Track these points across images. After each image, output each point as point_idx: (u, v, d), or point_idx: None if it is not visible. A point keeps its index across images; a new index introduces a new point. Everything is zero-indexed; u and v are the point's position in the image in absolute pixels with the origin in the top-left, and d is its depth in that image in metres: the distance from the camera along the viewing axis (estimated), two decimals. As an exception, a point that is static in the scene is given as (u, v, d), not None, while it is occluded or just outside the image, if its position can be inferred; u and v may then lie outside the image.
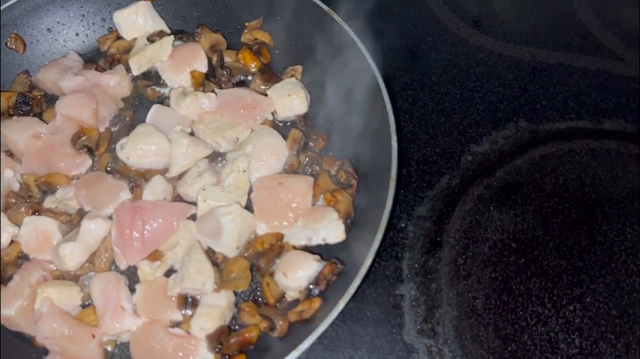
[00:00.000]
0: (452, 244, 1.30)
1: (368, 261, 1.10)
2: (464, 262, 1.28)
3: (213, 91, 1.45)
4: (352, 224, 1.26)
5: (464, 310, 1.23)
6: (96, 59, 1.57)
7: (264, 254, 1.23)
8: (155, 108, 1.42)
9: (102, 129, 1.42)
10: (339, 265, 1.17)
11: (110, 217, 1.28)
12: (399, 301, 1.25)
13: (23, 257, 1.28)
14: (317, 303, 1.15)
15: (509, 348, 1.17)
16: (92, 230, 1.23)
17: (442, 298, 1.24)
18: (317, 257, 1.20)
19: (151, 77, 1.54)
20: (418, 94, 1.49)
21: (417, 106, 1.47)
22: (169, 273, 1.25)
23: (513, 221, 1.32)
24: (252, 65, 1.52)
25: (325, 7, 1.41)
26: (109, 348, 1.20)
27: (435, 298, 1.24)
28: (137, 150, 1.34)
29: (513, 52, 1.56)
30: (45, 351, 1.19)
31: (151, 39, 1.52)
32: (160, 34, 1.53)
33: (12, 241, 1.28)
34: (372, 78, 1.31)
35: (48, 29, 1.55)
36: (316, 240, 1.24)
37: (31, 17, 1.52)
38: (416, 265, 1.28)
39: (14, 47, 1.50)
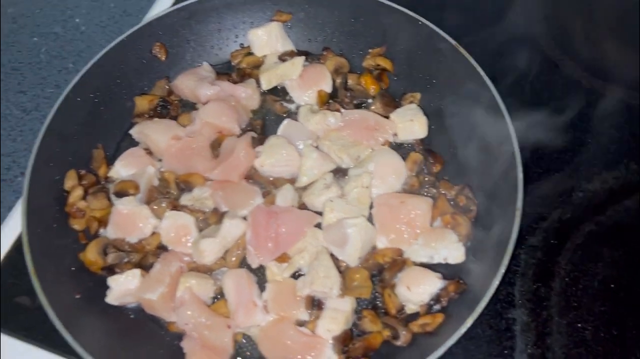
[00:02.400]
0: (563, 275, 1.36)
1: (495, 283, 1.17)
2: (574, 293, 1.33)
3: (338, 110, 1.55)
4: (471, 247, 1.34)
5: (574, 339, 1.28)
6: (227, 71, 1.70)
7: (388, 267, 1.31)
8: (286, 122, 1.53)
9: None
10: (463, 284, 1.25)
11: (245, 219, 1.38)
12: (510, 324, 1.31)
13: (162, 248, 1.39)
14: (440, 318, 1.23)
15: (618, 381, 1.22)
16: (232, 229, 1.34)
17: (553, 325, 1.30)
18: (439, 275, 1.28)
19: (278, 92, 1.65)
20: (531, 128, 1.54)
21: (531, 141, 1.53)
22: (295, 275, 1.35)
23: (623, 259, 1.37)
24: (372, 89, 1.61)
25: (451, 40, 1.50)
26: (239, 341, 1.29)
27: (546, 325, 1.30)
28: (270, 159, 1.45)
29: (624, 96, 1.62)
30: (178, 337, 1.30)
31: (282, 58, 1.64)
32: (292, 54, 1.65)
33: (153, 232, 1.40)
34: (497, 112, 1.39)
35: (188, 41, 1.68)
36: (437, 259, 1.31)
37: (175, 29, 1.65)
38: (528, 292, 1.34)
39: (158, 54, 1.64)
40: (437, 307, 1.26)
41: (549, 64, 1.69)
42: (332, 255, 1.35)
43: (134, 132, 1.55)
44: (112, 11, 1.92)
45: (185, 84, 1.61)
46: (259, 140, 1.52)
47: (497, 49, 1.62)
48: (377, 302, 1.33)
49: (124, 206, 1.38)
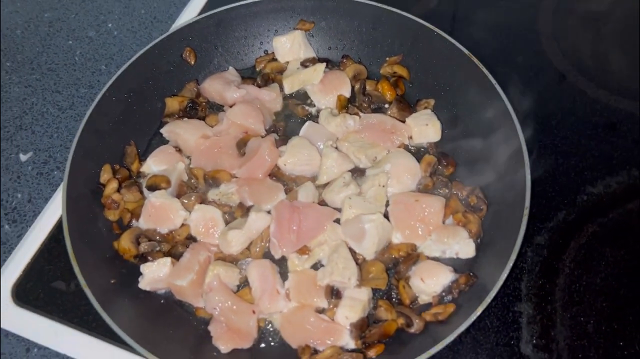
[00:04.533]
0: (567, 272, 1.44)
1: (503, 276, 1.25)
2: (578, 289, 1.42)
3: (357, 114, 1.65)
4: (481, 243, 1.42)
5: (576, 332, 1.36)
6: (252, 76, 1.80)
7: (404, 260, 1.40)
8: (308, 124, 1.63)
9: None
10: (473, 277, 1.33)
11: (269, 213, 1.47)
12: (517, 316, 1.39)
13: (190, 239, 1.49)
14: (451, 308, 1.31)
15: (618, 371, 1.30)
16: (257, 221, 1.43)
17: (557, 318, 1.38)
18: (451, 268, 1.37)
19: (300, 97, 1.75)
20: (538, 134, 1.65)
21: (536, 146, 1.63)
22: (314, 266, 1.44)
23: (624, 259, 1.45)
24: (389, 95, 1.71)
25: (465, 50, 1.59)
26: (263, 325, 1.38)
27: (551, 318, 1.38)
28: (293, 158, 1.55)
29: (627, 106, 1.71)
30: (204, 322, 1.39)
31: (305, 64, 1.74)
32: (313, 61, 1.75)
33: (183, 224, 1.50)
34: (508, 119, 1.47)
35: (216, 47, 1.78)
36: (449, 254, 1.40)
37: (204, 35, 1.75)
38: (534, 287, 1.43)
39: (187, 59, 1.74)
40: (448, 298, 1.35)
41: (557, 75, 1.79)
42: (350, 248, 1.44)
43: (164, 130, 1.64)
44: (143, 17, 2.02)
45: (213, 87, 1.71)
46: (282, 140, 1.61)
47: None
48: (392, 293, 1.41)
49: (156, 199, 1.48)
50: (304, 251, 1.44)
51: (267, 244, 1.46)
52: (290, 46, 1.77)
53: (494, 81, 1.53)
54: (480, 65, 1.57)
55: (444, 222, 1.47)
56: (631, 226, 1.50)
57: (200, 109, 1.70)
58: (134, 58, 1.64)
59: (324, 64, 1.71)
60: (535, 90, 1.68)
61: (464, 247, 1.40)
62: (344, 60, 1.77)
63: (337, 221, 1.48)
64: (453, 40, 1.62)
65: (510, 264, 1.27)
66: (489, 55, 1.64)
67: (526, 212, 1.33)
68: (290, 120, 1.71)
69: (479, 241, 1.42)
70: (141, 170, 1.59)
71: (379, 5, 1.72)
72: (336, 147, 1.61)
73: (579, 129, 1.67)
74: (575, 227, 1.51)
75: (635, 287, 1.41)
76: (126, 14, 2.04)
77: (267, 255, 1.46)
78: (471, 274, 1.34)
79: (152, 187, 1.52)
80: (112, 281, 1.39)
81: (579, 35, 1.86)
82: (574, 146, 1.64)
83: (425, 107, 1.67)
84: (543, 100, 1.69)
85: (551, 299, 1.41)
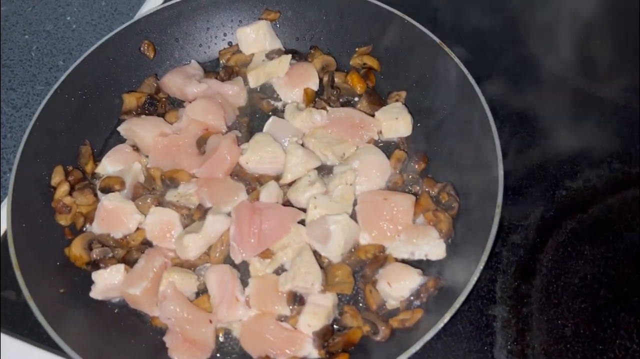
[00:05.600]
0: (544, 272, 1.37)
1: (473, 280, 1.18)
2: (555, 290, 1.34)
3: (324, 108, 1.56)
4: (452, 243, 1.34)
5: (553, 336, 1.29)
6: (215, 69, 1.71)
7: (370, 263, 1.32)
8: (272, 119, 1.54)
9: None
10: (442, 281, 1.26)
11: (229, 215, 1.39)
12: (491, 320, 1.32)
13: (146, 244, 1.41)
14: (419, 314, 1.23)
15: (597, 378, 1.23)
16: (215, 224, 1.35)
17: (533, 322, 1.31)
18: (420, 271, 1.29)
19: (265, 90, 1.66)
20: (517, 126, 1.57)
21: (515, 138, 1.55)
22: (277, 271, 1.36)
23: (604, 257, 1.38)
24: (359, 88, 1.62)
25: (436, 39, 1.51)
26: (220, 336, 1.30)
27: (526, 322, 1.31)
28: (255, 156, 1.46)
29: (609, 96, 1.63)
30: (160, 332, 1.31)
31: (270, 56, 1.65)
32: (279, 52, 1.66)
33: (138, 228, 1.41)
34: (481, 111, 1.39)
35: (176, 39, 1.69)
36: (418, 255, 1.32)
37: (163, 27, 1.67)
38: (509, 289, 1.35)
39: (146, 52, 1.65)
40: (416, 303, 1.27)
41: (535, 64, 1.70)
42: (315, 252, 1.36)
43: (121, 129, 1.56)
44: (103, 9, 1.93)
45: (173, 82, 1.62)
46: (245, 137, 1.53)
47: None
48: (359, 298, 1.33)
49: (109, 202, 1.40)
50: (266, 254, 1.37)
51: (228, 249, 1.38)
52: (255, 37, 1.68)
53: (467, 72, 1.45)
54: (453, 56, 1.48)
55: (414, 222, 1.39)
56: (612, 221, 1.43)
57: (160, 106, 1.61)
58: (87, 52, 1.56)
59: (290, 56, 1.63)
60: (512, 80, 1.60)
61: (434, 248, 1.32)
62: (312, 52, 1.69)
63: (303, 222, 1.40)
64: (424, 29, 1.53)
65: (480, 266, 1.19)
66: (463, 43, 1.56)
67: (498, 210, 1.25)
68: (255, 115, 1.63)
69: (450, 241, 1.34)
70: (96, 171, 1.51)
71: (344, -8, 1.63)
72: (302, 144, 1.53)
73: (559, 120, 1.59)
74: (554, 224, 1.43)
75: (615, 287, 1.34)
76: (85, 6, 1.94)
77: (227, 260, 1.38)
78: (439, 277, 1.26)
79: (106, 190, 1.43)
80: (62, 291, 1.31)
81: (558, 24, 1.77)
82: (553, 138, 1.56)
83: (397, 100, 1.59)
84: (520, 91, 1.61)
85: (527, 301, 1.33)
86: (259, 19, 1.70)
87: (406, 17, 1.56)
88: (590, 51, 1.65)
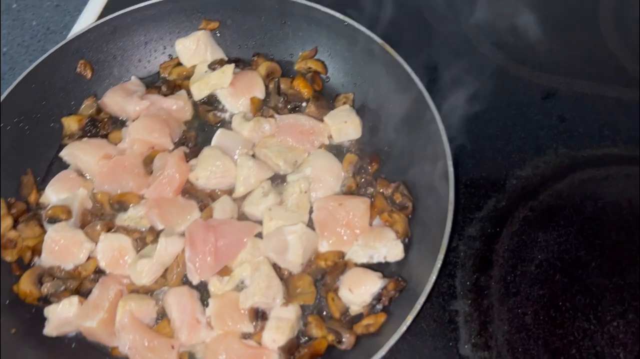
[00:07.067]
0: (501, 262, 1.39)
1: (432, 278, 1.18)
2: (513, 280, 1.36)
3: (272, 116, 1.54)
4: (409, 243, 1.35)
5: (515, 325, 1.31)
6: (157, 83, 1.67)
7: (330, 270, 1.32)
8: (220, 132, 1.51)
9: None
10: (402, 282, 1.26)
11: (183, 235, 1.36)
12: (453, 316, 1.33)
13: (99, 272, 1.36)
14: (382, 318, 1.24)
15: (558, 362, 1.26)
16: (169, 247, 1.32)
17: (494, 313, 1.33)
18: (380, 274, 1.29)
19: (211, 102, 1.63)
20: (460, 120, 1.57)
21: (461, 132, 1.56)
22: (237, 287, 1.34)
23: (557, 242, 1.41)
24: (306, 93, 1.61)
25: (378, 40, 1.50)
26: (184, 359, 1.28)
27: (488, 314, 1.33)
28: (205, 172, 1.43)
29: (550, 82, 1.66)
30: (123, 361, 1.28)
31: (212, 67, 1.62)
32: (221, 62, 1.63)
33: (89, 257, 1.37)
34: (424, 106, 1.40)
35: (114, 56, 1.64)
36: (377, 258, 1.32)
37: (99, 44, 1.61)
38: (468, 283, 1.37)
39: (83, 73, 1.59)
40: (379, 307, 1.27)
41: (477, 55, 1.73)
42: (274, 264, 1.34)
43: (63, 154, 1.50)
44: (35, 29, 1.85)
45: (114, 101, 1.57)
46: (194, 152, 1.50)
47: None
48: (322, 306, 1.33)
49: (56, 233, 1.35)
50: (225, 272, 1.34)
51: (184, 269, 1.35)
52: (195, 48, 1.64)
53: (409, 69, 1.45)
54: (395, 54, 1.48)
55: (371, 224, 1.39)
56: (562, 206, 1.46)
57: (102, 126, 1.56)
58: (20, 77, 1.49)
59: (233, 65, 1.60)
60: (454, 73, 1.61)
61: (392, 250, 1.32)
62: (256, 59, 1.66)
63: (259, 235, 1.38)
64: (365, 29, 1.53)
65: (438, 264, 1.20)
66: (404, 40, 1.56)
67: (451, 207, 1.26)
68: (202, 129, 1.59)
69: (407, 241, 1.35)
70: (40, 201, 1.45)
71: (285, -3, 1.61)
72: (252, 155, 1.50)
73: (503, 110, 1.61)
74: (507, 213, 1.45)
75: (569, 270, 1.37)
76: (15, 27, 1.86)
77: (185, 281, 1.35)
78: (399, 278, 1.27)
79: (52, 220, 1.38)
80: (13, 331, 1.26)
81: (498, 10, 1.79)
82: (499, 128, 1.58)
83: (344, 103, 1.58)
84: (463, 83, 1.62)
85: (487, 293, 1.35)
86: (198, 29, 1.66)
87: (346, 18, 1.55)
88: (529, 38, 1.67)
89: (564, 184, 1.50)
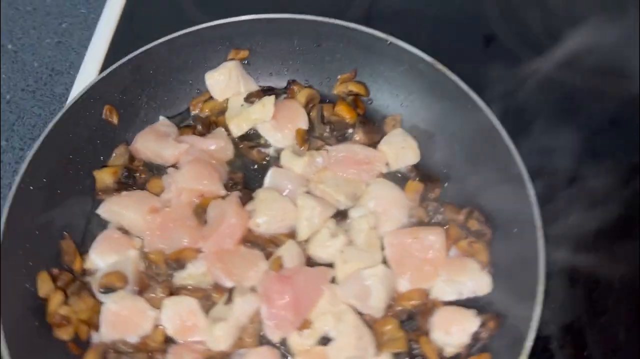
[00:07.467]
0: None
1: (537, 311, 1.12)
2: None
3: (323, 148, 1.45)
4: (494, 273, 1.29)
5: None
6: (187, 121, 1.55)
7: (420, 313, 1.24)
8: (272, 171, 1.41)
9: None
10: (501, 318, 1.20)
11: (253, 290, 1.26)
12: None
13: (169, 341, 1.25)
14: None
15: None
16: (244, 306, 1.22)
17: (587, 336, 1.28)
18: (474, 311, 1.22)
19: (249, 137, 1.52)
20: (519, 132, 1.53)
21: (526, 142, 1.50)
22: (321, 341, 1.24)
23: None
24: (349, 118, 1.52)
25: (427, 58, 1.42)
26: None
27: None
28: (266, 217, 1.33)
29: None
30: None
31: (250, 100, 1.51)
32: (258, 94, 1.52)
33: (155, 326, 1.25)
34: (486, 120, 1.33)
35: (139, 97, 1.50)
36: (467, 293, 1.26)
37: (123, 86, 1.47)
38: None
39: (109, 118, 1.46)
40: (478, 346, 1.21)
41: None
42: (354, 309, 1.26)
43: (101, 211, 1.37)
44: (38, 72, 1.70)
45: (147, 146, 1.45)
46: (246, 195, 1.39)
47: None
48: (414, 348, 1.25)
49: (116, 304, 1.22)
50: (305, 325, 1.25)
51: (259, 327, 1.25)
52: (226, 80, 1.52)
53: (465, 87, 1.38)
54: (447, 71, 1.41)
55: (448, 256, 1.32)
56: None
57: (139, 176, 1.43)
58: (43, 135, 1.34)
59: (273, 97, 1.49)
60: (512, 82, 1.54)
61: (479, 283, 1.25)
62: (292, 87, 1.55)
63: (333, 279, 1.30)
64: (411, 48, 1.44)
65: (540, 295, 1.14)
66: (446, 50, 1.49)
67: (540, 233, 1.20)
68: (249, 168, 1.48)
69: (491, 271, 1.28)
70: (85, 267, 1.32)
71: (317, 18, 1.50)
72: (307, 192, 1.41)
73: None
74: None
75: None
76: (15, 70, 1.69)
77: (262, 339, 1.25)
78: (499, 315, 1.20)
79: (107, 290, 1.25)
80: (86, 421, 1.14)
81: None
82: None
83: (394, 126, 1.50)
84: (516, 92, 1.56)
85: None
86: (227, 59, 1.54)
87: (388, 37, 1.46)
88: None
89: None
